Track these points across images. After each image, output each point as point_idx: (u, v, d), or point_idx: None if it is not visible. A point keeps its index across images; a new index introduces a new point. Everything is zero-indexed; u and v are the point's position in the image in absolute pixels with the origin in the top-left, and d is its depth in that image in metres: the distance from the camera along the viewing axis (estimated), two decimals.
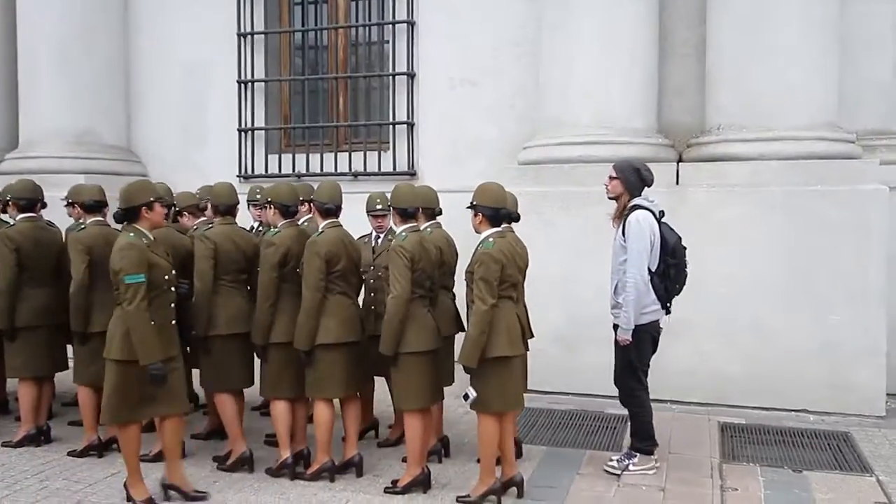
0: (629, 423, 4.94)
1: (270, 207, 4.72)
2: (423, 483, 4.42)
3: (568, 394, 6.31)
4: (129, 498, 4.22)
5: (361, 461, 4.70)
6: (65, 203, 5.85)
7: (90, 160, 8.34)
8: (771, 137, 6.11)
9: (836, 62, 6.25)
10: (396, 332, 4.29)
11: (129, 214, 4.16)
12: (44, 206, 5.53)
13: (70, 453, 5.08)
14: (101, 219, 5.16)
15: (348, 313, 4.59)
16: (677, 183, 6.27)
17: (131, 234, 4.10)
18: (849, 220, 5.87)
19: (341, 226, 4.66)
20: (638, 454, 4.79)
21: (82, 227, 5.16)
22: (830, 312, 5.89)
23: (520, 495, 4.34)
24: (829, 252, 5.89)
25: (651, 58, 6.67)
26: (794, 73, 6.09)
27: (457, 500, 4.31)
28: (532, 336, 4.87)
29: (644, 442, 4.80)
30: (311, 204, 4.80)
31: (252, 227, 5.75)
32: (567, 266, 6.29)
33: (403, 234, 4.38)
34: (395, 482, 4.48)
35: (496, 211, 4.23)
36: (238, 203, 5.04)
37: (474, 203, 4.28)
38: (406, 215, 4.45)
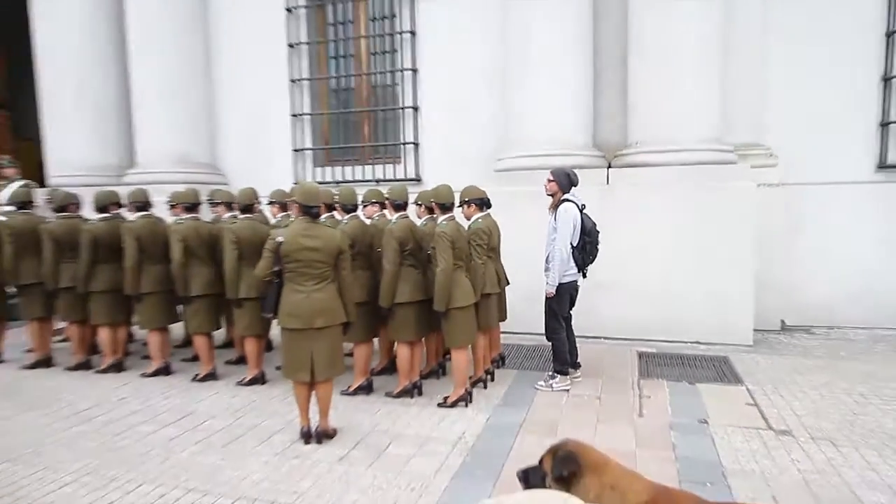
0: (553, 353, 4.99)
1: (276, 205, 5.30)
2: (466, 399, 4.54)
3: (532, 333, 6.40)
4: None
5: (371, 385, 4.80)
6: (169, 205, 5.71)
7: (188, 174, 8.37)
8: (674, 149, 6.18)
9: (719, 93, 6.28)
10: (447, 294, 4.36)
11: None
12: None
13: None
14: (196, 215, 5.26)
15: (416, 279, 4.59)
16: (608, 183, 6.36)
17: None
18: (729, 209, 5.97)
19: (408, 217, 4.63)
20: (558, 375, 4.91)
21: (180, 221, 5.21)
22: (716, 273, 6.02)
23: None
24: (715, 232, 6.00)
25: (588, 93, 6.73)
26: (690, 103, 6.15)
27: (438, 406, 4.48)
28: (508, 283, 5.10)
29: (562, 365, 4.91)
30: (387, 202, 4.73)
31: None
32: (531, 244, 6.26)
33: (444, 221, 4.41)
34: (445, 398, 4.56)
35: (482, 199, 4.61)
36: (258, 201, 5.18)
37: (465, 199, 4.61)
38: (445, 209, 4.49)
